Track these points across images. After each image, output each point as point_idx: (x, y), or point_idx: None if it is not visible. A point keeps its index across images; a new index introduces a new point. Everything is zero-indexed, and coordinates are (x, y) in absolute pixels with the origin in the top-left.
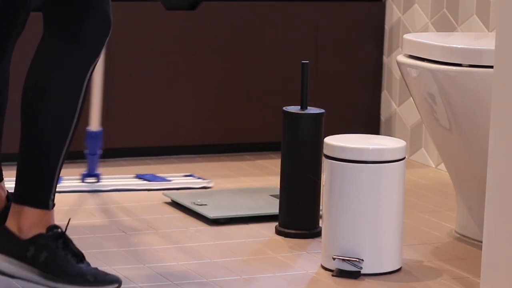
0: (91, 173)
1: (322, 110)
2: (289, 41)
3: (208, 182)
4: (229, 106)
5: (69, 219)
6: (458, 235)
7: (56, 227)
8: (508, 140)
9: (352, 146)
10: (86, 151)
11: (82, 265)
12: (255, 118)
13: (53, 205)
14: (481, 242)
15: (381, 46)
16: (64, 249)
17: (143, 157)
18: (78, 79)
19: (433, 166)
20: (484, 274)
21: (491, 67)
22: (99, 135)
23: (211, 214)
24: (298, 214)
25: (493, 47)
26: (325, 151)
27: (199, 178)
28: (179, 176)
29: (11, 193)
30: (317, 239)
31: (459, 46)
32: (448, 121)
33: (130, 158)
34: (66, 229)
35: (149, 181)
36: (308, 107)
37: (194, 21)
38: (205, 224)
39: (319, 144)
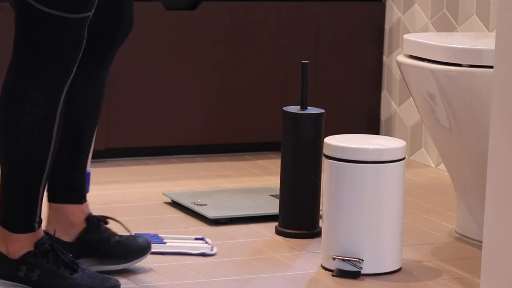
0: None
1: (322, 110)
2: (289, 41)
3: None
4: (229, 106)
5: (54, 230)
6: (458, 235)
7: (44, 242)
8: (508, 140)
9: (352, 146)
10: None
11: (76, 276)
12: (255, 118)
13: (39, 224)
14: (481, 242)
15: (381, 46)
16: (55, 262)
17: (143, 157)
18: (50, 111)
19: (433, 166)
20: (484, 274)
21: (491, 67)
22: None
23: (211, 214)
24: (298, 214)
25: (493, 47)
26: (325, 151)
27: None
28: (187, 238)
29: (90, 215)
30: (317, 239)
31: (459, 46)
32: (448, 121)
33: (130, 158)
34: (53, 240)
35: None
36: (308, 107)
37: (194, 21)
38: (205, 224)
39: (319, 144)
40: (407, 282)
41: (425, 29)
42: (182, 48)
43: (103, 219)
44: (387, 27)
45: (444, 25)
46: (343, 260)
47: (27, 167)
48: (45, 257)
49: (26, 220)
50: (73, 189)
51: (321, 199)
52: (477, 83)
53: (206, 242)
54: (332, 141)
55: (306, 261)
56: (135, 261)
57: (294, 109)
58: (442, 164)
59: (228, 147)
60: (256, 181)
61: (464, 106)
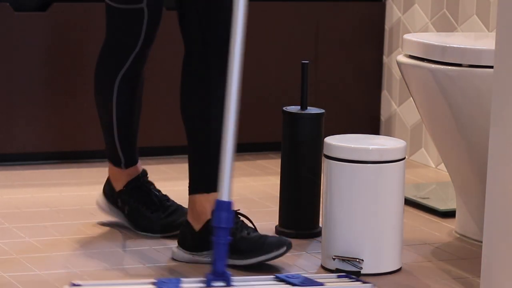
0: (218, 272)
1: (322, 110)
2: (289, 41)
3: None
4: None
5: (144, 170)
6: (458, 235)
7: (132, 182)
8: (508, 140)
9: (352, 146)
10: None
11: (153, 215)
12: (255, 118)
13: (126, 166)
14: (481, 242)
15: (381, 46)
16: (140, 201)
17: (143, 157)
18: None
19: (433, 166)
20: (484, 274)
21: (491, 67)
22: (227, 207)
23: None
24: (298, 214)
25: (493, 47)
26: (325, 151)
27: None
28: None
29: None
30: (317, 239)
31: (459, 46)
32: (448, 121)
33: None
34: (141, 182)
35: (297, 285)
36: (308, 107)
37: None
38: None
39: (319, 144)
40: (407, 282)
41: (425, 29)
42: (182, 48)
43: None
44: (387, 27)
45: (444, 25)
46: (343, 260)
47: (102, 125)
48: (132, 196)
49: (113, 158)
50: (198, 179)
51: (321, 199)
52: (477, 83)
53: (354, 279)
54: (332, 141)
55: (306, 261)
56: (255, 259)
57: (294, 109)
58: (442, 164)
59: None
60: (256, 181)
61: (464, 106)
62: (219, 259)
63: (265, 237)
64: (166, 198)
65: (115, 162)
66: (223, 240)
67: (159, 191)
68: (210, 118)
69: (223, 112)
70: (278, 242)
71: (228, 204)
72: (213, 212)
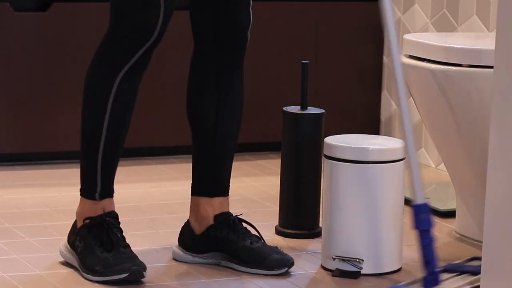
0: (431, 275)
1: (322, 110)
2: (289, 41)
3: None
4: None
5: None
6: (458, 235)
7: (97, 217)
8: (508, 140)
9: (352, 146)
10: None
11: (103, 255)
12: (255, 118)
13: (101, 196)
14: (481, 242)
15: (381, 46)
16: (96, 238)
17: (143, 157)
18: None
19: (433, 166)
20: (484, 274)
21: (491, 67)
22: (424, 209)
23: None
24: (298, 214)
25: (493, 47)
26: (325, 151)
27: None
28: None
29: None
30: (317, 239)
31: (459, 46)
32: (448, 121)
33: (130, 158)
34: (105, 216)
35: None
36: (308, 107)
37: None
38: None
39: (319, 144)
40: None
41: (425, 29)
42: (182, 48)
43: (236, 219)
44: None
45: (444, 25)
46: (343, 260)
47: (86, 138)
48: (91, 232)
49: (87, 187)
50: (202, 182)
51: (321, 199)
52: (477, 83)
53: None
54: (332, 141)
55: (306, 261)
56: (253, 270)
57: (294, 109)
58: (442, 164)
59: None
60: (256, 181)
61: (464, 106)
62: (430, 260)
63: (268, 250)
64: (123, 244)
65: (88, 192)
66: (428, 241)
67: (121, 232)
68: (218, 119)
69: (232, 112)
70: (281, 261)
71: (424, 206)
72: (412, 217)
